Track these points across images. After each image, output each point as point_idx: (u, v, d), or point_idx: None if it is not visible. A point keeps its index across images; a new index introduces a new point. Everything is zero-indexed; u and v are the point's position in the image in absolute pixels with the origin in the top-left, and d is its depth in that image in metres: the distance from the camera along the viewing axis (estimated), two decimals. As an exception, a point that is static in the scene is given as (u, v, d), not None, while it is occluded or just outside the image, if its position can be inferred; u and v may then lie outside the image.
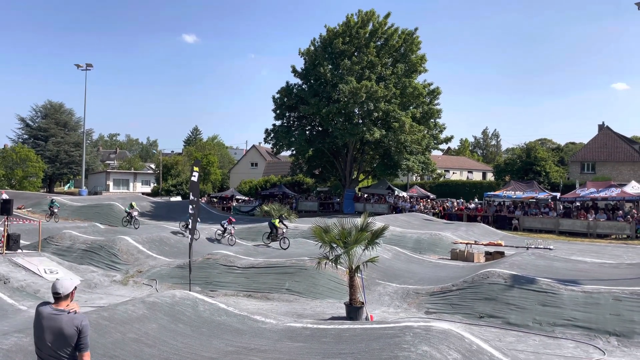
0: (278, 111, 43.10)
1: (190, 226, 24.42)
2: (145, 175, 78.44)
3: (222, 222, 24.92)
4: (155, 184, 73.51)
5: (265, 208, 27.75)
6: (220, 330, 9.14)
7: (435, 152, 51.95)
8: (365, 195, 43.14)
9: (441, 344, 7.71)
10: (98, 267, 18.60)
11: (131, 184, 74.19)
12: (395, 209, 38.18)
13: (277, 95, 42.92)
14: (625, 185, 35.04)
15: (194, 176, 14.99)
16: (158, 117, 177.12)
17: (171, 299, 10.18)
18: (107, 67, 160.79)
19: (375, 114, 37.33)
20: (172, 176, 69.65)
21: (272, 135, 43.18)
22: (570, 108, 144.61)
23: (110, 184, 70.73)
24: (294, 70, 42.65)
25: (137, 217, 28.30)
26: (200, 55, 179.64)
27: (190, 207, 14.71)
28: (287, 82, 43.04)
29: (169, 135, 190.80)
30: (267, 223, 23.94)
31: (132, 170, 79.18)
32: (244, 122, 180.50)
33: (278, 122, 43.64)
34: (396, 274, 17.03)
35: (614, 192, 32.45)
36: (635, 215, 29.58)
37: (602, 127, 59.31)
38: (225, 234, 23.98)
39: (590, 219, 30.34)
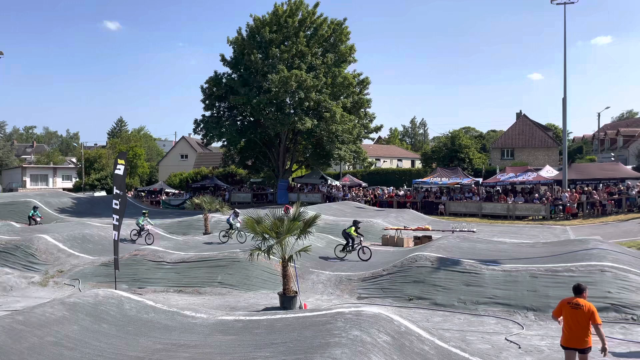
0: (207, 101, 42.06)
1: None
2: (66, 170, 74.10)
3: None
4: (78, 179, 69.68)
5: (196, 201, 26.98)
6: (147, 328, 8.81)
7: (366, 142, 53.04)
8: (299, 185, 43.23)
9: (371, 327, 7.87)
10: (14, 268, 17.38)
11: (50, 180, 69.88)
12: (329, 198, 38.58)
13: (205, 85, 41.86)
14: (540, 169, 37.44)
15: (119, 169, 14.29)
16: (79, 108, 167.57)
17: (94, 298, 9.68)
18: (20, 56, 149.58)
19: (307, 104, 37.39)
20: (95, 170, 66.31)
21: (201, 126, 42.11)
22: (490, 97, 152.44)
23: (27, 180, 66.26)
24: (223, 59, 41.73)
25: (150, 231, 22.43)
26: (124, 43, 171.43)
27: (115, 202, 14.03)
28: (216, 72, 42.08)
29: (92, 127, 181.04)
30: (341, 233, 19.29)
31: (52, 165, 74.47)
32: (173, 113, 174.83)
33: (208, 113, 42.62)
34: (330, 262, 17.22)
35: (530, 176, 34.60)
36: (550, 197, 31.71)
37: (520, 116, 63.01)
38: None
39: (510, 202, 32.19)
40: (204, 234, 23.64)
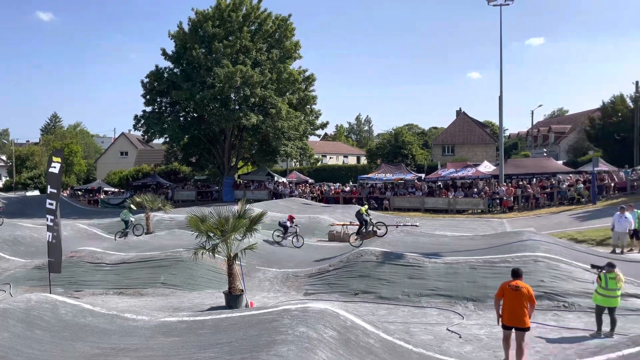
0: (148, 97, 40.74)
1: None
2: (-5, 168, 69.66)
3: (282, 221, 20.83)
4: (8, 178, 65.68)
5: (137, 200, 26.06)
6: (84, 333, 8.43)
7: (312, 138, 53.15)
8: (245, 182, 42.77)
9: (318, 323, 7.90)
10: None
11: (-23, 179, 65.45)
12: (275, 195, 38.42)
13: (146, 80, 40.51)
14: (479, 165, 38.99)
15: (54, 167, 13.54)
16: (9, 103, 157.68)
17: (26, 303, 9.15)
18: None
19: (252, 100, 37.01)
20: (27, 168, 62.73)
21: (142, 122, 40.77)
22: (432, 95, 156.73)
23: (-49, 179, 61.72)
24: (165, 53, 40.55)
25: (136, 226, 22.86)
26: (58, 36, 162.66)
27: (49, 201, 13.30)
28: (157, 66, 40.82)
29: (23, 123, 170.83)
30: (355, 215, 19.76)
31: (-22, 163, 69.80)
32: (112, 108, 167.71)
33: (149, 109, 41.32)
34: (277, 259, 17.15)
35: (469, 171, 35.94)
36: (488, 191, 33.04)
37: (460, 113, 65.33)
38: (288, 235, 19.80)
39: (451, 197, 33.28)
40: (146, 233, 22.91)
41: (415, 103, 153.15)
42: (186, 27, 39.88)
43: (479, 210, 31.99)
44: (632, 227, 17.48)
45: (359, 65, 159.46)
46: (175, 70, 40.52)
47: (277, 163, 49.41)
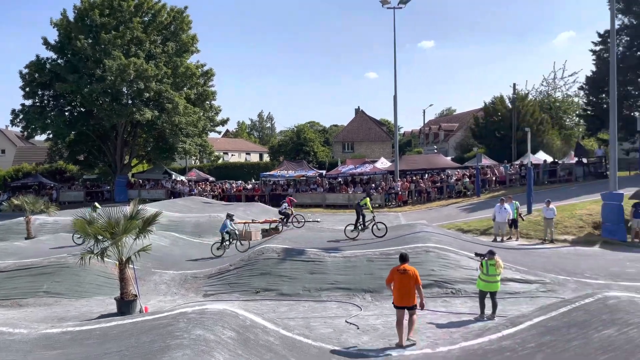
0: (28, 89, 37.14)
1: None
2: None
3: (281, 208, 20.63)
4: None
5: (16, 202, 23.66)
6: (-54, 354, 7.45)
7: (213, 135, 51.92)
8: (140, 182, 40.63)
9: (216, 325, 7.68)
10: None
11: None
12: (173, 194, 36.94)
13: (25, 71, 36.91)
14: (376, 161, 40.49)
15: None
16: None
17: None
18: None
19: (147, 94, 35.18)
20: None
21: (21, 117, 37.10)
22: (333, 93, 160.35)
23: None
24: (47, 43, 37.21)
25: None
26: None
27: None
28: (38, 56, 37.36)
29: None
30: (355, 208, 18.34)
31: None
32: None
33: (29, 102, 37.70)
34: (174, 261, 16.49)
35: (367, 167, 37.23)
36: (384, 186, 34.46)
37: (358, 111, 67.48)
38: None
39: (350, 192, 34.23)
40: (26, 238, 20.91)
41: (316, 101, 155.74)
42: (71, 16, 36.96)
43: (377, 205, 33.21)
44: (511, 217, 19.15)
45: (262, 63, 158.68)
46: (59, 61, 37.36)
47: (175, 161, 47.58)
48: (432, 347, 8.46)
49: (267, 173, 40.17)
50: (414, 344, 8.48)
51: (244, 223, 22.10)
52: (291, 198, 22.59)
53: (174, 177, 41.50)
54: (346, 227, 17.42)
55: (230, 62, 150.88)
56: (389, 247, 14.46)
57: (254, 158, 74.67)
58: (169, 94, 35.85)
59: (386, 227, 16.90)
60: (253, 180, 42.93)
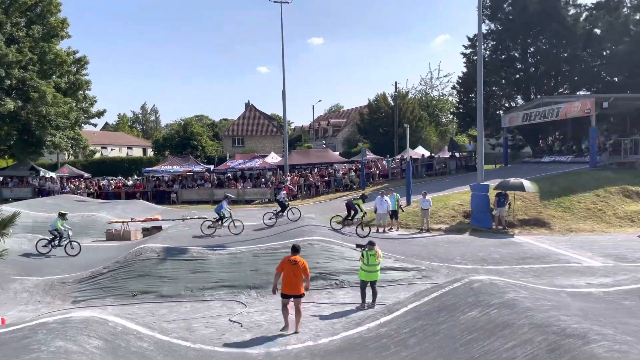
0: None
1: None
2: None
3: (279, 197, 19.42)
4: None
5: None
6: None
7: (89, 128, 48.09)
8: (1, 179, 36.37)
9: (80, 334, 7.00)
10: None
11: None
12: (42, 192, 33.56)
13: None
14: (266, 156, 40.32)
15: None
16: None
17: None
18: None
19: (8, 82, 31.53)
20: None
21: None
22: (223, 87, 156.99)
23: None
24: None
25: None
26: None
27: None
28: None
29: None
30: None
31: None
32: None
33: None
34: (39, 266, 14.90)
35: (257, 162, 36.93)
36: (274, 181, 34.42)
37: (248, 106, 66.74)
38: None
39: (240, 188, 33.71)
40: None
41: (205, 94, 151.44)
42: None
43: (267, 200, 33.10)
44: (391, 209, 20.08)
45: (147, 54, 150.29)
46: None
47: (44, 156, 43.33)
48: (314, 339, 8.50)
49: (150, 168, 38.13)
50: (297, 332, 8.84)
51: (122, 222, 20.74)
52: (290, 186, 21.47)
53: (42, 173, 37.73)
54: (332, 218, 18.10)
55: (110, 51, 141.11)
56: (275, 242, 14.37)
57: (137, 153, 70.64)
58: (35, 82, 32.48)
59: (370, 229, 17.63)
60: (135, 177, 40.51)
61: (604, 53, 34.69)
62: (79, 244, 16.50)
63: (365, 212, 17.92)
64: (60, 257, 15.91)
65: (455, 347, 6.68)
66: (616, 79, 34.38)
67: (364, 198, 18.26)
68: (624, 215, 20.72)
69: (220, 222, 17.65)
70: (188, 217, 21.42)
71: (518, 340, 6.07)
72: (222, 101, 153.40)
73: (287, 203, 19.60)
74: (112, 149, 67.42)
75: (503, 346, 6.10)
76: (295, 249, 9.27)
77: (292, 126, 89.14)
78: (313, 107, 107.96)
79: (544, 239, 18.27)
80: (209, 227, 17.42)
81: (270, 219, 19.04)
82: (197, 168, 36.85)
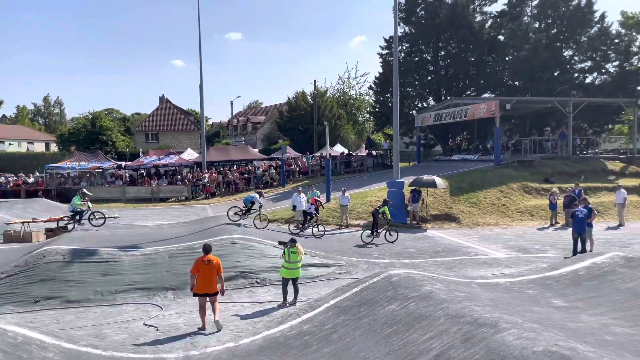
0: None
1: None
2: None
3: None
4: None
5: None
6: None
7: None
8: None
9: (-27, 348, 6.31)
10: None
11: None
12: None
13: None
14: (183, 152, 39.03)
15: None
16: None
17: None
18: None
19: None
20: None
21: None
22: (135, 80, 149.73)
23: None
24: None
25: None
26: None
27: None
28: None
29: None
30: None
31: None
32: None
33: None
34: None
35: (173, 159, 35.63)
36: (191, 178, 33.41)
37: (163, 100, 64.20)
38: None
39: (154, 185, 32.34)
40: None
41: (116, 87, 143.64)
42: None
43: (183, 198, 32.09)
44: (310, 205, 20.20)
45: (51, 42, 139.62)
46: None
47: None
48: (235, 340, 8.32)
49: (54, 165, 35.51)
50: (219, 330, 8.78)
51: (22, 222, 19.12)
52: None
53: None
54: (362, 232, 17.40)
55: (7, 36, 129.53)
56: (194, 242, 13.91)
57: (39, 148, 65.52)
58: None
59: (397, 233, 17.25)
60: (37, 173, 37.48)
61: (507, 58, 37.26)
62: (103, 214, 17.31)
63: (390, 219, 17.73)
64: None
65: (376, 340, 6.82)
66: (517, 83, 37.09)
67: (386, 203, 17.82)
68: (524, 209, 22.40)
69: (247, 214, 17.73)
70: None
71: (435, 331, 6.31)
72: (134, 95, 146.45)
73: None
74: (10, 144, 62.01)
75: (421, 337, 6.32)
76: (208, 249, 9.21)
77: (210, 122, 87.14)
78: (232, 103, 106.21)
79: (454, 232, 19.30)
80: (235, 213, 17.59)
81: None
82: (107, 164, 34.88)
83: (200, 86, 35.27)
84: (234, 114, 69.59)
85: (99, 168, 34.08)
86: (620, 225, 20.08)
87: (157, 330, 9.15)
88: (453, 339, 5.94)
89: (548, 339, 5.29)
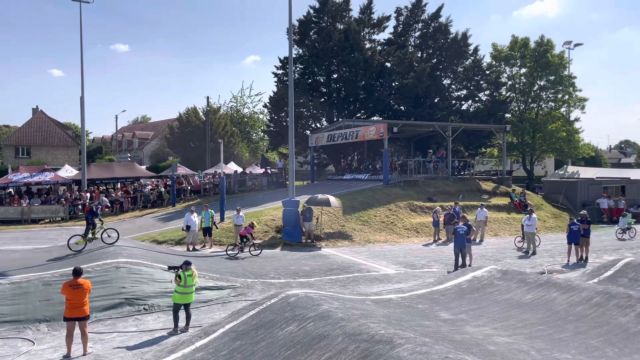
0: None
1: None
2: None
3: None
4: None
5: None
6: None
7: None
8: None
9: None
10: None
11: None
12: None
13: None
14: (59, 169, 35.82)
15: None
16: None
17: None
18: None
19: None
20: None
21: None
22: (4, 89, 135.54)
23: None
24: None
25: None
26: None
27: None
28: None
29: None
30: None
31: None
32: None
33: None
34: None
35: (48, 176, 32.56)
36: (70, 197, 30.72)
37: (37, 111, 58.72)
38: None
39: (25, 205, 29.26)
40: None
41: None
42: None
43: (59, 218, 29.39)
44: (204, 225, 19.56)
45: None
46: None
47: None
48: (121, 374, 7.66)
49: None
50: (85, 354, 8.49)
51: None
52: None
53: None
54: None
55: None
56: (71, 267, 12.68)
57: None
58: None
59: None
60: None
61: (394, 84, 39.60)
62: (117, 231, 16.20)
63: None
64: None
65: (275, 364, 6.66)
66: (403, 108, 39.51)
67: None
68: (411, 226, 23.69)
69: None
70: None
71: (334, 350, 6.32)
72: (2, 105, 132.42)
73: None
74: None
75: (320, 358, 6.29)
76: (77, 273, 8.90)
77: (91, 136, 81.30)
78: (116, 117, 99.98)
79: (347, 250, 19.79)
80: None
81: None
82: (-32, 181, 30.87)
83: (82, 98, 32.80)
84: (118, 128, 65.80)
85: (-44, 185, 30.07)
86: (481, 241, 22.03)
87: (27, 369, 8.15)
88: (351, 357, 5.99)
89: (439, 352, 5.53)
